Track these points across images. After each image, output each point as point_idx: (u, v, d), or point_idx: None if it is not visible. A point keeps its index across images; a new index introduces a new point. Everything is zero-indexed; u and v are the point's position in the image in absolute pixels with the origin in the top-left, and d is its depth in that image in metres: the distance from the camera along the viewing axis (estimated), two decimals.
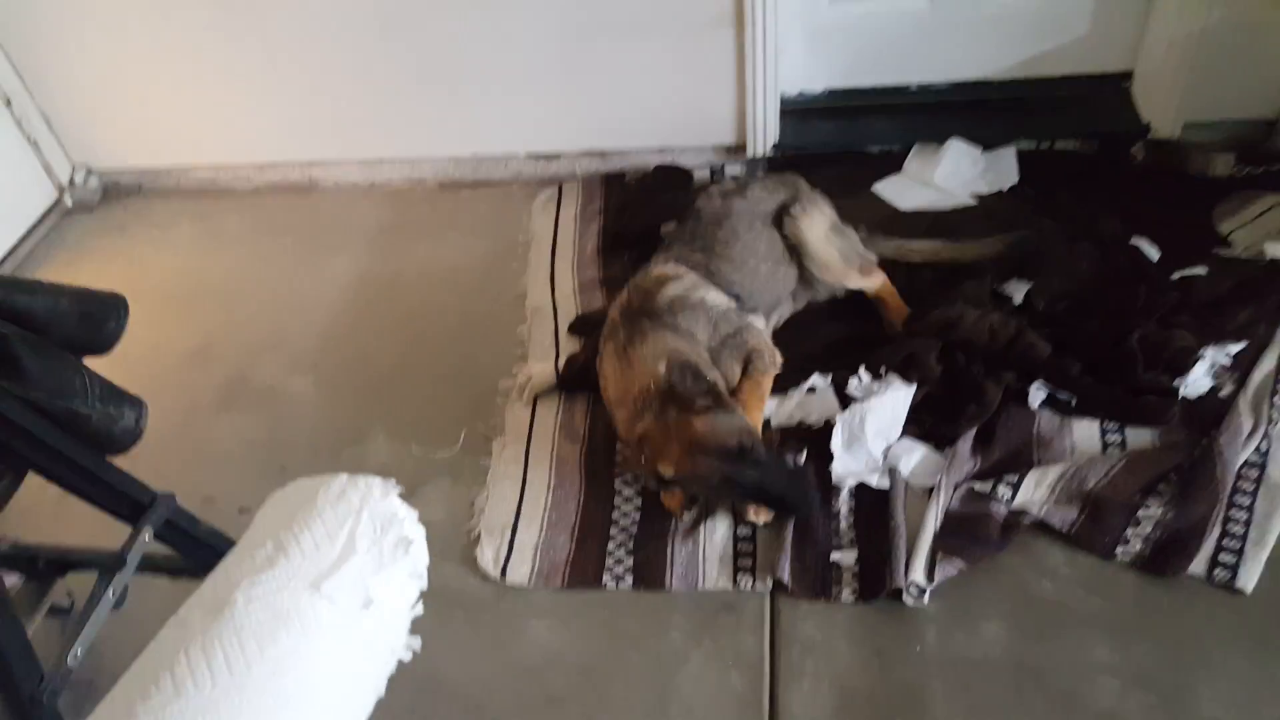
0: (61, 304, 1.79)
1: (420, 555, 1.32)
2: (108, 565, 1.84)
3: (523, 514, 2.49)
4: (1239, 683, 2.00)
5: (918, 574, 2.20)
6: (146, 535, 1.86)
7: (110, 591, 1.82)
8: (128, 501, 1.88)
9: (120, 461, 1.87)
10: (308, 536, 1.23)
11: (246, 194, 3.97)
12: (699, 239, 2.81)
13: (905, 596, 2.19)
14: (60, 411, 1.68)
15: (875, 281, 2.92)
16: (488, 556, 2.41)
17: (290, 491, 1.34)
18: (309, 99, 3.68)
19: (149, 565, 2.02)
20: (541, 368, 2.86)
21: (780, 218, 2.88)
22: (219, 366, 3.17)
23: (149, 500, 1.90)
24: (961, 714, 2.01)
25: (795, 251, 2.86)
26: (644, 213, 3.42)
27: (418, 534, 1.33)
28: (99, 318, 1.85)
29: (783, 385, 2.69)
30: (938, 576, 2.21)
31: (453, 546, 2.47)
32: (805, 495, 2.36)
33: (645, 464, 2.33)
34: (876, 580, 2.21)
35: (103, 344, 1.87)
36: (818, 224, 2.87)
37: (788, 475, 2.39)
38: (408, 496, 2.53)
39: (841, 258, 2.87)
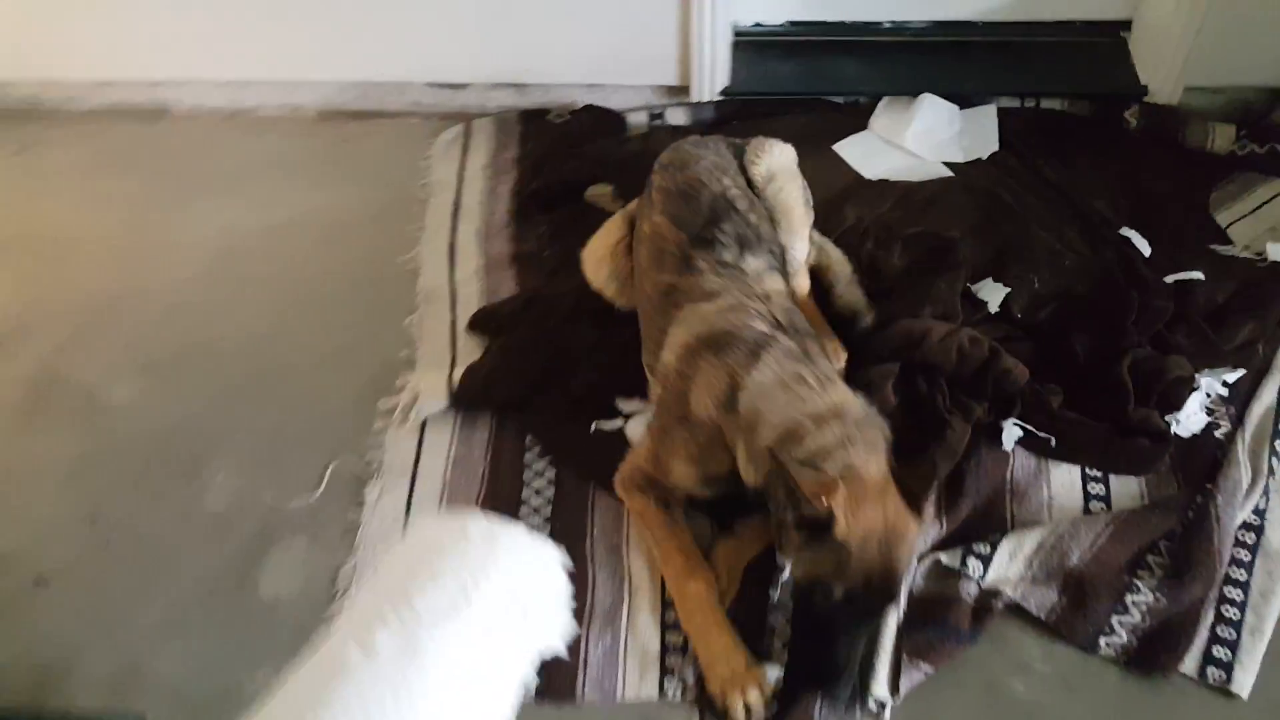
0: None
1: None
2: None
3: None
4: None
5: (880, 687, 1.87)
6: None
7: None
8: None
9: None
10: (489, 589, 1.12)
11: (79, 119, 3.33)
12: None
13: (860, 716, 1.86)
14: None
15: (803, 281, 2.49)
16: None
17: (465, 537, 1.17)
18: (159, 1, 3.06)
19: None
20: (433, 379, 2.37)
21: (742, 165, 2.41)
22: (27, 358, 2.56)
23: None
24: None
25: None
26: (567, 167, 2.91)
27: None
28: None
29: None
30: (903, 686, 1.88)
31: (310, 637, 1.99)
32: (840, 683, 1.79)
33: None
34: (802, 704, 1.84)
35: None
36: (782, 155, 2.45)
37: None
38: (254, 558, 2.10)
39: (805, 204, 2.45)
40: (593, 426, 2.28)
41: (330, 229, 2.87)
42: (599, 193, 2.81)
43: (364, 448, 2.30)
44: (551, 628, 1.15)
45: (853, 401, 1.86)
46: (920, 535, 1.81)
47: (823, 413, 1.80)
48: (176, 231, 2.89)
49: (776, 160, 2.41)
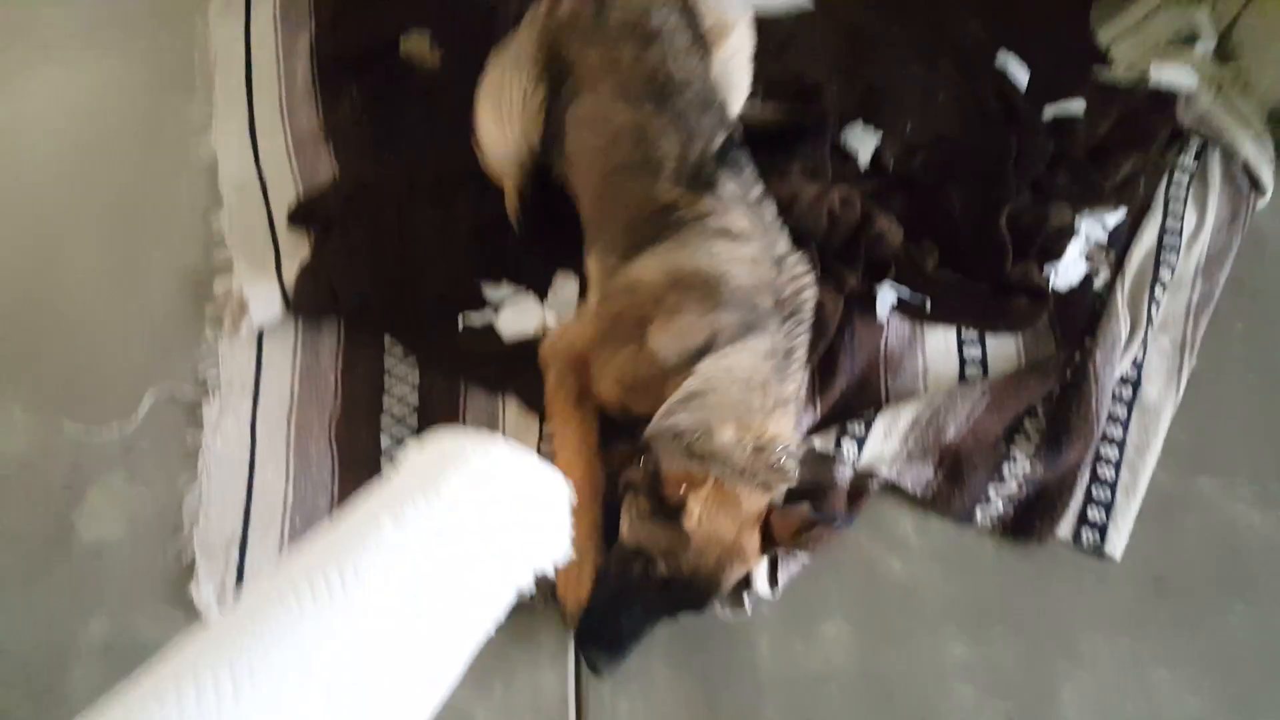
0: None
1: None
2: None
3: (253, 520, 1.84)
4: (1102, 675, 1.78)
5: (761, 583, 1.80)
6: None
7: None
8: None
9: None
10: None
11: None
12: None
13: (721, 612, 1.80)
14: None
15: None
16: (208, 592, 1.76)
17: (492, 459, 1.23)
18: None
19: None
20: (258, 283, 2.06)
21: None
22: None
23: None
24: None
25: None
26: (370, 19, 2.48)
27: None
28: None
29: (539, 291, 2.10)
30: (782, 579, 1.82)
31: (150, 581, 1.79)
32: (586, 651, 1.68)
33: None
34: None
35: None
36: (744, 30, 2.09)
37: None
38: (69, 501, 1.85)
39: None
40: (460, 323, 2.04)
41: (99, 117, 2.40)
42: (415, 46, 2.41)
43: (181, 368, 2.02)
44: (551, 549, 1.23)
45: (784, 438, 1.69)
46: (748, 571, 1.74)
47: (750, 432, 1.65)
48: None
49: (741, 38, 2.07)
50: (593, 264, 1.93)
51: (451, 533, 1.10)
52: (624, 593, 1.62)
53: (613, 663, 1.61)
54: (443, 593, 1.09)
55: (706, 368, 1.68)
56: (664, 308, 1.73)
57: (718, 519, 1.59)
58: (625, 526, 1.66)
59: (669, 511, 1.58)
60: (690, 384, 1.67)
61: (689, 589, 1.62)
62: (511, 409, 1.99)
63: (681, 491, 1.57)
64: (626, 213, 1.85)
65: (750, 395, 1.67)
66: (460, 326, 2.04)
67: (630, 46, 1.91)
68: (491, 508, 1.16)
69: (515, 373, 1.98)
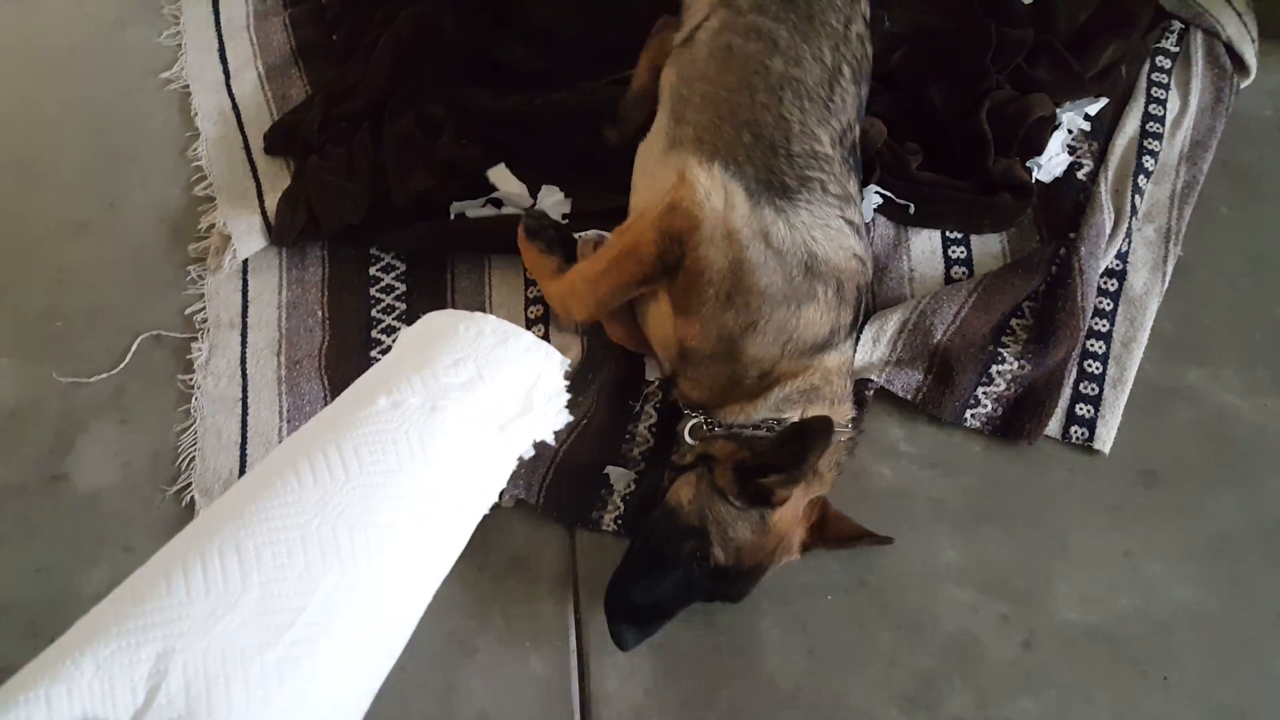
0: None
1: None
2: None
3: (250, 460, 1.84)
4: (1094, 569, 1.80)
5: None
6: None
7: None
8: None
9: None
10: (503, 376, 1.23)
11: None
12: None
13: None
14: None
15: None
16: None
17: (485, 327, 1.25)
18: None
19: None
20: (241, 215, 2.03)
21: None
22: None
23: None
24: (799, 661, 1.71)
25: None
26: None
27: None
28: None
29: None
30: None
31: (149, 525, 1.80)
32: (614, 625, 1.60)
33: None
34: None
35: None
36: None
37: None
38: (60, 449, 1.84)
39: None
40: (452, 213, 2.01)
41: (65, 55, 2.32)
42: None
43: (168, 309, 2.01)
44: (547, 419, 1.24)
45: (847, 415, 1.76)
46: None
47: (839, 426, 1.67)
48: None
49: None
50: (700, 164, 1.68)
51: (446, 406, 1.11)
52: (665, 569, 1.58)
53: (641, 639, 1.59)
54: (441, 465, 1.09)
55: (828, 362, 1.71)
56: (796, 287, 1.65)
57: (789, 513, 1.61)
58: (688, 498, 1.63)
59: (756, 499, 1.58)
60: (809, 378, 1.69)
61: (738, 580, 1.61)
62: (499, 290, 2.00)
63: (787, 491, 1.57)
64: (779, 127, 1.70)
65: (839, 386, 1.73)
66: (452, 215, 2.02)
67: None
68: (484, 379, 1.16)
69: (503, 235, 1.96)
